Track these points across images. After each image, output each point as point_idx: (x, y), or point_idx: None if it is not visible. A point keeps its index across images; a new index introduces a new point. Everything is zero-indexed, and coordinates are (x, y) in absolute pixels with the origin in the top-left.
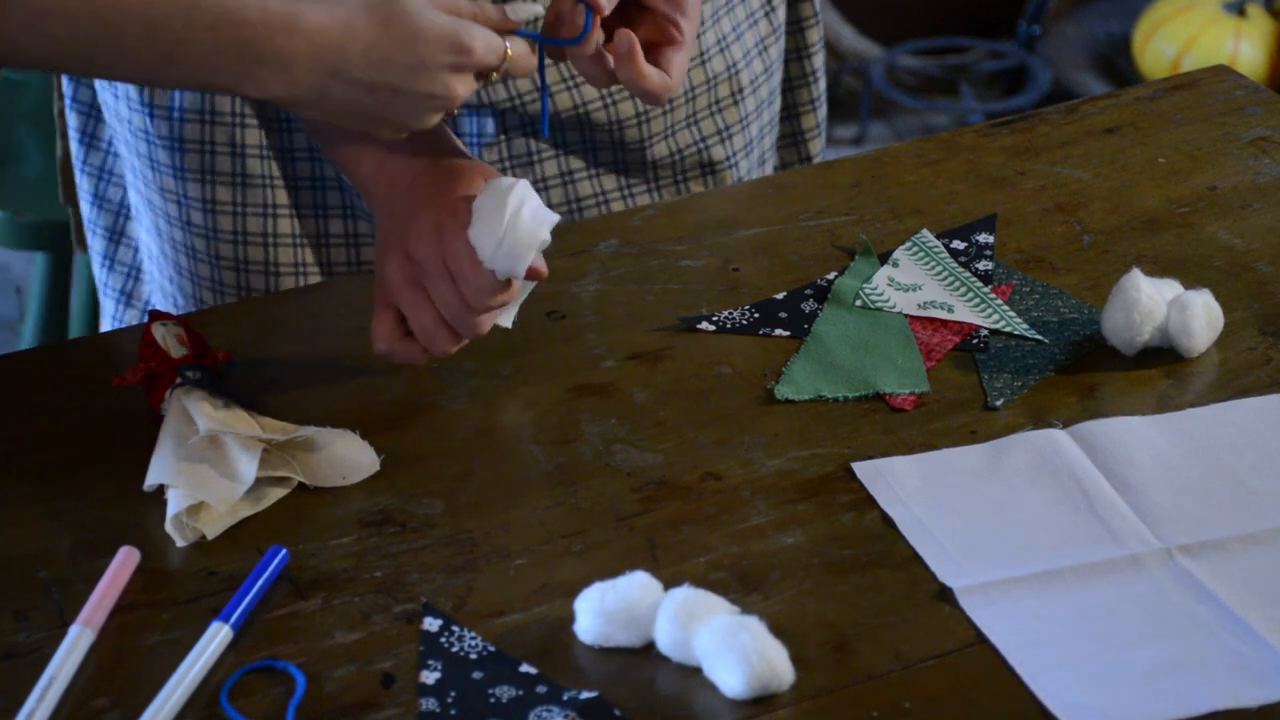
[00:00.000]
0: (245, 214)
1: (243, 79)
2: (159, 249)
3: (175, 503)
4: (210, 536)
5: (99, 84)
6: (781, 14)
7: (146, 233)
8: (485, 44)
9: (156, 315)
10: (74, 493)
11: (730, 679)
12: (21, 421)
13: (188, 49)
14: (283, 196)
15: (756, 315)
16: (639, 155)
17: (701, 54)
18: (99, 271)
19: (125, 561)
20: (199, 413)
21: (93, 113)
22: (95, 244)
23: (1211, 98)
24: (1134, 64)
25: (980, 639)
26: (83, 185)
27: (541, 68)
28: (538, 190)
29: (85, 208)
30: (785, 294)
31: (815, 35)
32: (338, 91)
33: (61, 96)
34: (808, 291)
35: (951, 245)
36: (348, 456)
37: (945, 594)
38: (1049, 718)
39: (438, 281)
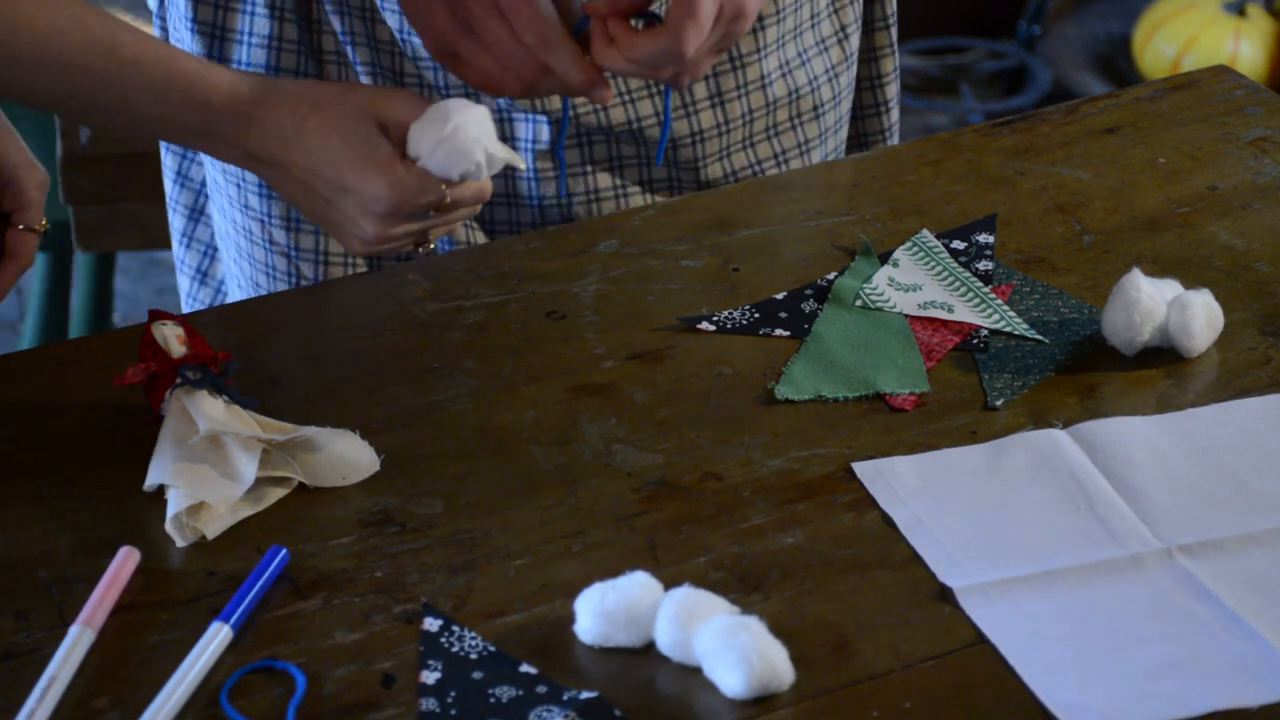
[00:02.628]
0: None
1: (209, 148)
2: (224, 228)
3: (175, 503)
4: (210, 536)
5: None
6: (855, 42)
7: (217, 212)
8: (421, 189)
9: (156, 315)
10: (74, 493)
11: (730, 679)
12: (21, 421)
13: (155, 120)
14: None
15: (756, 315)
16: (693, 174)
17: (763, 78)
18: (177, 249)
19: (125, 561)
20: (199, 413)
21: None
22: (175, 221)
23: (1211, 98)
24: (1134, 64)
25: (980, 639)
26: (166, 163)
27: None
28: (591, 200)
29: (168, 185)
30: (785, 294)
31: (890, 65)
32: (276, 175)
33: None
34: (808, 291)
35: (951, 245)
36: (348, 456)
37: (945, 594)
38: (1049, 718)
39: (488, 21)
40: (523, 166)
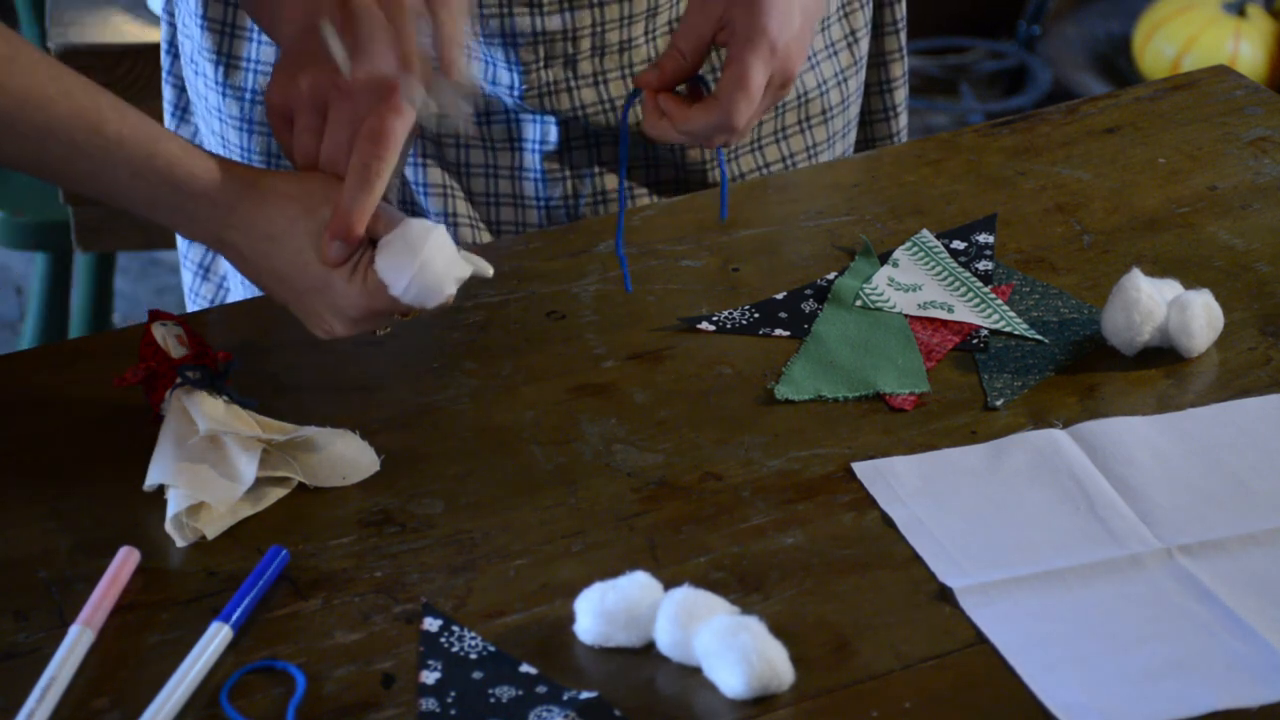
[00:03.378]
0: None
1: (181, 227)
2: None
3: (175, 503)
4: (210, 537)
5: (183, 58)
6: (864, 46)
7: None
8: (362, 309)
9: (156, 315)
10: (74, 493)
11: (730, 679)
12: (21, 421)
13: (130, 194)
14: None
15: (756, 315)
16: (700, 176)
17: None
18: (181, 242)
19: (125, 561)
20: (199, 413)
21: (185, 86)
22: None
23: (1211, 98)
24: (1134, 64)
25: (980, 639)
26: None
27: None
28: (598, 201)
29: None
30: (785, 294)
31: (899, 69)
32: (251, 267)
33: None
34: (808, 291)
35: (951, 245)
36: (348, 456)
37: (945, 594)
38: (1049, 718)
39: (339, 119)
40: (490, 273)
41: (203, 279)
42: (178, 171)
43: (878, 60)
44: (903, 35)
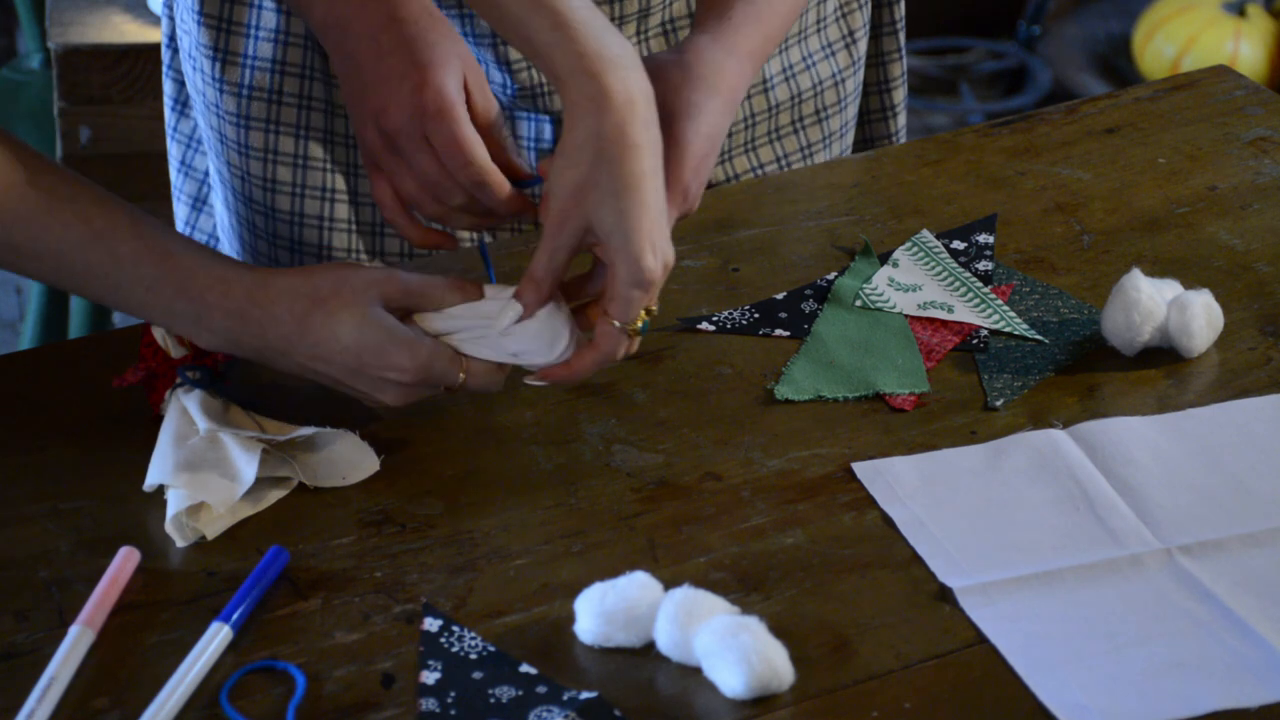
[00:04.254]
0: (304, 196)
1: (196, 336)
2: (227, 221)
3: (175, 503)
4: (210, 537)
5: (182, 53)
6: (863, 47)
7: (220, 203)
8: (426, 371)
9: None
10: (74, 493)
11: (730, 679)
12: (21, 421)
13: (146, 307)
14: (341, 182)
15: (756, 315)
16: None
17: (765, 81)
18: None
19: (125, 561)
20: (199, 413)
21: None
22: (179, 210)
23: (1211, 98)
24: (1134, 64)
25: (980, 639)
26: (172, 151)
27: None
28: None
29: (173, 174)
30: (785, 294)
31: (898, 69)
32: (277, 362)
33: (62, 97)
34: (808, 291)
35: (951, 245)
36: (347, 456)
37: (945, 594)
38: (1049, 718)
39: (415, 153)
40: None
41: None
42: (189, 285)
43: (876, 60)
44: (901, 35)
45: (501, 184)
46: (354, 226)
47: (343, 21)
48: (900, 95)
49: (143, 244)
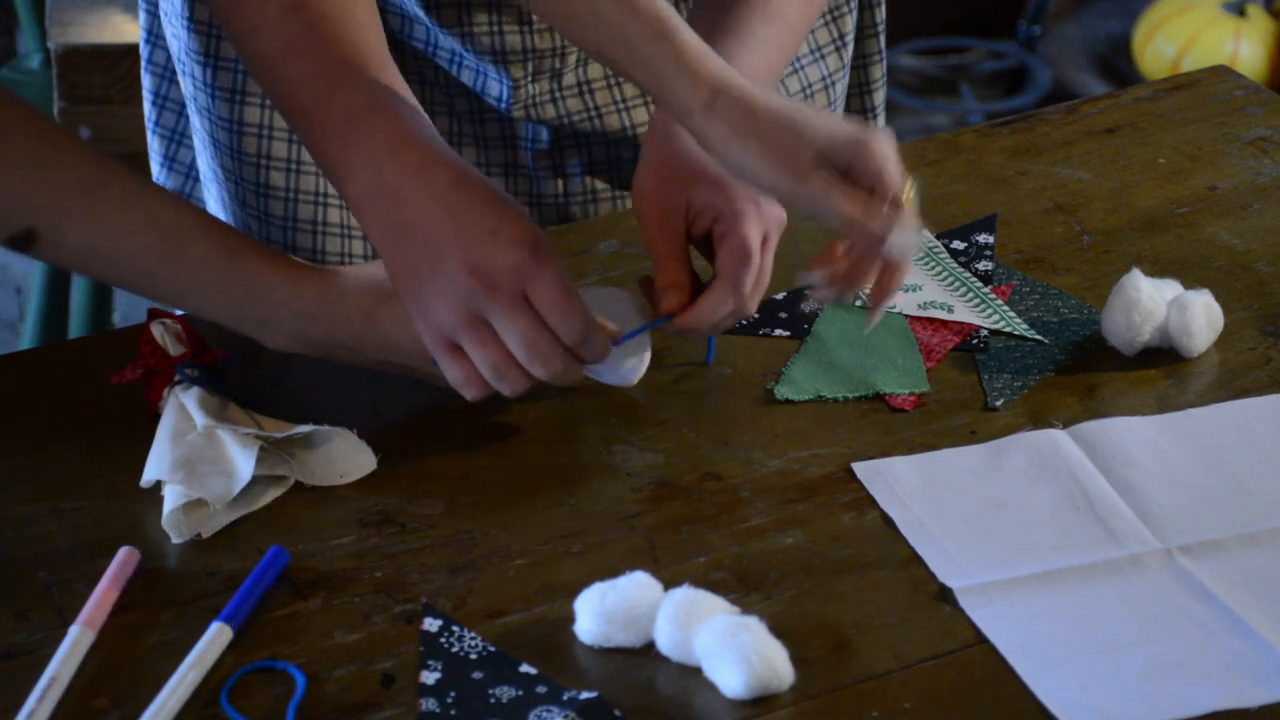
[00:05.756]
0: (297, 200)
1: (263, 337)
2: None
3: (172, 499)
4: (206, 534)
5: (173, 57)
6: (851, 50)
7: (214, 202)
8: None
9: (155, 314)
10: (74, 493)
11: (730, 679)
12: (21, 421)
13: (216, 309)
14: (332, 187)
15: (756, 315)
16: None
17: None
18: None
19: (125, 561)
20: (196, 409)
21: (167, 74)
22: None
23: (1211, 98)
24: (1134, 64)
25: (980, 639)
26: (154, 146)
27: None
28: (588, 201)
29: (155, 169)
30: (785, 294)
31: (878, 71)
32: (347, 357)
33: (62, 97)
34: (808, 291)
35: (951, 245)
36: (345, 455)
37: (945, 594)
38: (1049, 718)
39: (512, 313)
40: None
41: None
42: (258, 285)
43: (858, 63)
44: (882, 38)
45: (605, 326)
46: (346, 231)
47: (392, 188)
48: (880, 97)
49: (212, 245)
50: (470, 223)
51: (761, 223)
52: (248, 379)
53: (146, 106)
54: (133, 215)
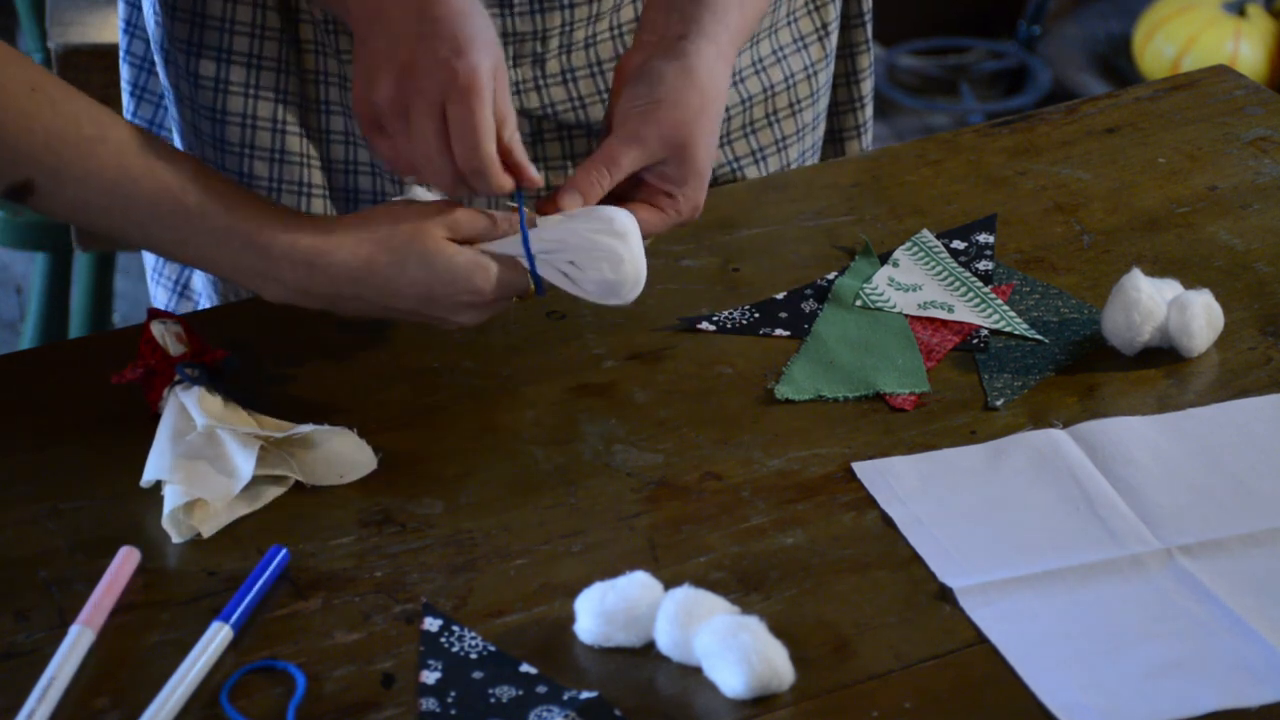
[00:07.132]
0: (280, 191)
1: (263, 288)
2: None
3: (172, 498)
4: (206, 534)
5: (152, 46)
6: (835, 39)
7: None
8: (502, 287)
9: (155, 313)
10: (74, 493)
11: (730, 679)
12: (21, 421)
13: (214, 261)
14: (318, 177)
15: (756, 315)
16: None
17: (737, 74)
18: (149, 258)
19: (125, 561)
20: (197, 409)
21: (145, 65)
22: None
23: (1211, 98)
24: (1134, 64)
25: (980, 639)
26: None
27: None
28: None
29: None
30: (785, 294)
31: (866, 61)
32: (348, 305)
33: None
34: (808, 291)
35: (951, 245)
36: (345, 454)
37: (945, 594)
38: (1049, 718)
39: (424, 120)
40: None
41: (178, 297)
42: (257, 237)
43: (846, 52)
44: (869, 27)
45: (504, 183)
46: (329, 193)
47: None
48: (868, 86)
49: (211, 197)
50: (434, 31)
51: (683, 204)
52: (248, 379)
53: (125, 97)
54: (131, 166)
